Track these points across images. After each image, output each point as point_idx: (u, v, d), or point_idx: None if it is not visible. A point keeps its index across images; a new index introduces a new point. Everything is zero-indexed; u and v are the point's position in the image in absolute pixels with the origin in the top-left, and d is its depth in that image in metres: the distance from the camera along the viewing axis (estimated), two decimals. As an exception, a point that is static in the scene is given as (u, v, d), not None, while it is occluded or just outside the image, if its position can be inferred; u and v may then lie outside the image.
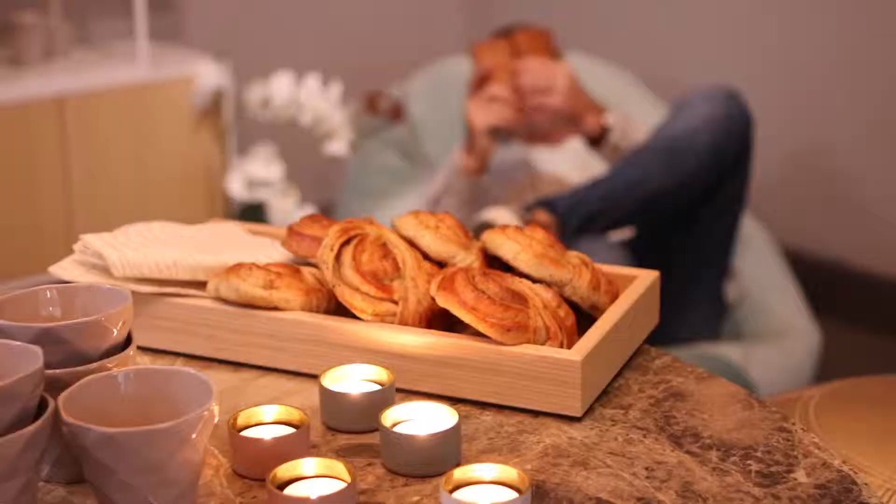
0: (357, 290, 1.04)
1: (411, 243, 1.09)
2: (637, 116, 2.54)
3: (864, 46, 2.95)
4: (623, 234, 2.37)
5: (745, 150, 2.25)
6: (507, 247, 1.06)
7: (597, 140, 2.30)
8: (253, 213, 2.93)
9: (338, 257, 1.05)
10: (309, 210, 2.94)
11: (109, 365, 0.89)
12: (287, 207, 2.91)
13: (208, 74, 2.94)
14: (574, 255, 1.09)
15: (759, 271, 2.66)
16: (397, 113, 2.97)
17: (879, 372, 2.77)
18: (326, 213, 3.17)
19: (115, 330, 0.90)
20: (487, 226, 2.03)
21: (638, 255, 2.31)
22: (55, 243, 2.82)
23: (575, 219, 2.14)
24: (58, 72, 2.90)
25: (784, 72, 3.14)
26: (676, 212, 2.24)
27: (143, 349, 1.12)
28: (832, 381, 1.36)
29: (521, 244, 1.06)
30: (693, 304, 2.36)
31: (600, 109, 2.30)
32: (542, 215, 2.11)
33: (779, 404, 1.30)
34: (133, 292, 1.08)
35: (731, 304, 2.52)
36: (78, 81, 2.86)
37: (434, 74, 3.05)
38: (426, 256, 1.09)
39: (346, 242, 1.06)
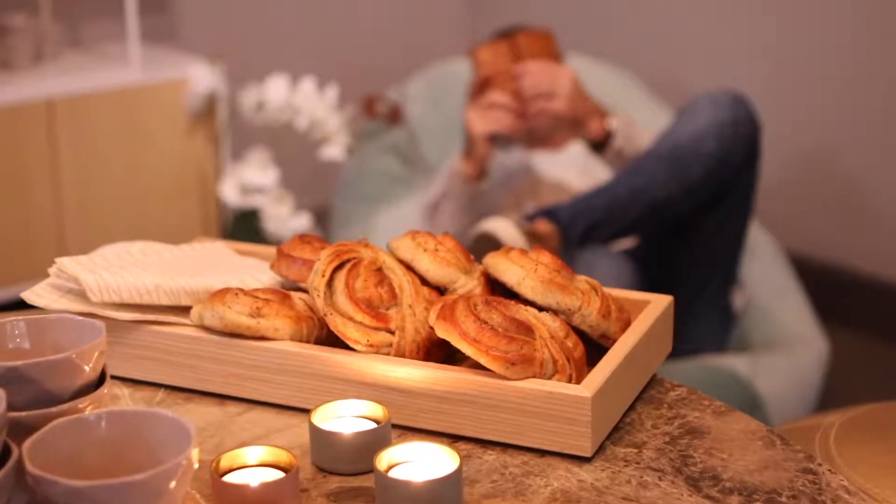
0: (350, 319, 0.97)
1: (408, 267, 1.02)
2: (640, 120, 2.48)
3: (872, 49, 2.89)
4: (626, 243, 2.31)
5: (752, 156, 2.18)
6: (511, 272, 0.99)
7: (600, 145, 2.24)
8: (247, 219, 2.87)
9: (330, 283, 0.98)
10: (304, 216, 2.88)
11: (81, 406, 0.82)
12: (282, 214, 2.84)
13: (202, 77, 2.87)
14: (583, 281, 1.02)
15: (765, 279, 2.60)
16: (395, 116, 2.91)
17: (889, 381, 2.71)
18: (323, 218, 3.11)
19: (87, 367, 0.83)
20: (486, 236, 1.97)
21: (642, 264, 2.25)
22: (46, 249, 2.76)
23: (577, 228, 2.07)
24: (48, 74, 2.84)
25: (789, 74, 3.07)
26: (682, 220, 2.18)
27: (123, 379, 1.06)
28: (851, 407, 1.30)
29: (525, 269, 0.99)
30: (699, 314, 2.29)
31: (603, 113, 2.24)
32: (544, 225, 2.05)
33: (797, 433, 1.24)
34: (112, 319, 1.01)
35: (737, 313, 2.46)
36: (69, 84, 2.80)
37: (433, 77, 2.99)
38: (424, 281, 1.02)
39: (339, 267, 0.99)
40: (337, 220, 2.86)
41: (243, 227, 2.89)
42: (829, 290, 2.94)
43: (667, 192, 2.09)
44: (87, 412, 0.81)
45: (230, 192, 2.84)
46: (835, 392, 2.58)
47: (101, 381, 0.86)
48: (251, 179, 2.84)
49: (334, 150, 2.83)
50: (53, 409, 0.80)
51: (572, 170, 2.49)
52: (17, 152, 2.72)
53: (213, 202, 2.98)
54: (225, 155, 2.97)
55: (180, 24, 3.31)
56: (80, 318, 0.88)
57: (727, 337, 2.40)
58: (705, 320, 2.33)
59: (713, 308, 2.34)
